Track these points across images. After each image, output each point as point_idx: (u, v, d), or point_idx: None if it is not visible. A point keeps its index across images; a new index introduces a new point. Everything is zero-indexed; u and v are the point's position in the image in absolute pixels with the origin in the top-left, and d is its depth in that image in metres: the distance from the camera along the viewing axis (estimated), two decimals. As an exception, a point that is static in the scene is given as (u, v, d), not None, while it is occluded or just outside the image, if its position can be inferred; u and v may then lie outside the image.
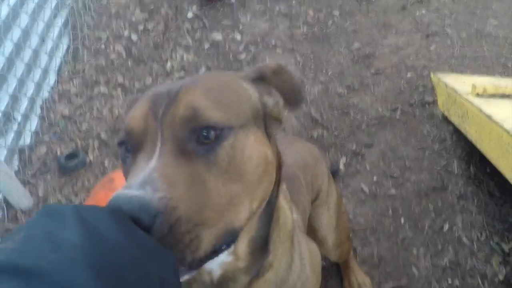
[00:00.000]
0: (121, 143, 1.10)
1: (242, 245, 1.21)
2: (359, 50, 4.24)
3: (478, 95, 3.00)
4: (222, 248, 1.02)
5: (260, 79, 1.19)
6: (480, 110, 2.71)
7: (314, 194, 2.21)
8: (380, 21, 4.57)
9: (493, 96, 3.03)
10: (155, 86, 1.14)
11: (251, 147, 1.05)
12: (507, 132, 2.38)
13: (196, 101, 1.01)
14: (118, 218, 0.82)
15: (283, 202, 1.37)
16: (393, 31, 4.45)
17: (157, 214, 0.85)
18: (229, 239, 1.02)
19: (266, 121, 1.17)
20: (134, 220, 0.83)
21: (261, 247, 1.26)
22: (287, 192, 1.53)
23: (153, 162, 0.94)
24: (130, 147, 1.06)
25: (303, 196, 1.99)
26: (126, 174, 1.06)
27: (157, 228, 0.85)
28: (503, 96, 3.05)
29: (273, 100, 1.20)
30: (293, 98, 1.22)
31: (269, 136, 1.17)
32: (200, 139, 0.99)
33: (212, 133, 0.99)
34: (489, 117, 2.60)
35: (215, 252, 1.00)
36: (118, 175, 2.46)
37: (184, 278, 0.94)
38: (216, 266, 1.22)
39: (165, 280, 0.80)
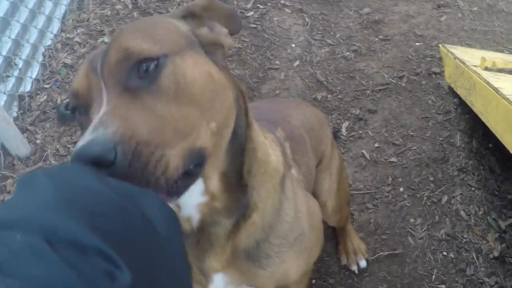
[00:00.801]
0: (73, 110, 1.12)
1: (214, 181, 1.21)
2: (368, 15, 4.18)
3: (486, 68, 2.96)
4: (194, 171, 1.04)
5: (190, 16, 1.20)
6: (488, 83, 2.67)
7: (317, 159, 2.20)
8: (392, -11, 4.50)
9: (501, 70, 2.99)
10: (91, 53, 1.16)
11: (191, 69, 1.07)
12: (513, 103, 2.35)
13: (126, 42, 1.03)
14: (88, 170, 0.83)
15: (262, 138, 1.38)
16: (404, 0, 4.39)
17: (114, 146, 0.88)
18: (197, 159, 1.03)
19: (206, 49, 1.17)
20: (98, 162, 0.86)
21: (236, 183, 1.27)
22: (278, 141, 1.57)
23: (102, 110, 0.97)
24: (81, 109, 1.08)
25: (307, 158, 1.97)
26: (84, 130, 1.05)
27: (121, 158, 0.88)
28: (512, 72, 3.01)
29: (206, 29, 1.21)
30: (231, 25, 1.26)
31: (215, 63, 1.17)
32: (141, 75, 1.01)
33: (151, 64, 1.02)
34: (497, 90, 2.55)
35: (189, 176, 1.02)
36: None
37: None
38: (193, 209, 1.23)
39: (151, 217, 0.81)
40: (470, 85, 2.95)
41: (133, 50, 1.01)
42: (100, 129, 0.90)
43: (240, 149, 1.25)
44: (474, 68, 2.95)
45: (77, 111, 1.11)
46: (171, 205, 0.99)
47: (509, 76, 2.93)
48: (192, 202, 1.22)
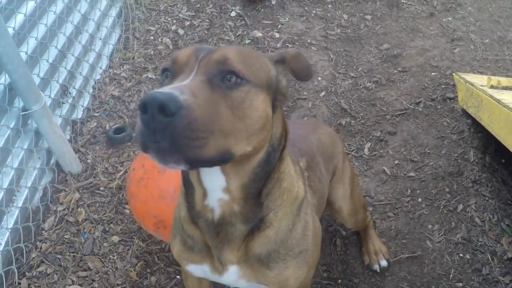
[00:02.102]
0: (164, 70, 1.35)
1: (235, 186, 1.43)
2: (387, 50, 4.33)
3: (492, 86, 3.10)
4: (218, 161, 1.22)
5: (280, 62, 1.46)
6: (492, 97, 2.82)
7: (331, 173, 2.42)
8: (408, 26, 4.65)
9: (506, 88, 3.12)
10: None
11: (259, 102, 1.30)
12: (513, 110, 2.49)
13: (229, 54, 1.28)
14: None
15: (292, 172, 1.60)
16: (420, 35, 4.53)
17: (180, 106, 1.08)
18: (224, 157, 1.22)
19: (276, 95, 1.42)
20: (162, 108, 1.05)
21: (255, 199, 1.47)
22: (301, 171, 1.81)
23: (185, 81, 1.20)
24: (170, 74, 1.32)
25: (322, 184, 2.18)
26: None
27: (178, 118, 1.08)
28: (517, 88, 3.14)
29: (286, 81, 1.47)
30: (305, 75, 1.53)
31: (275, 107, 1.42)
32: (224, 79, 1.25)
33: (234, 78, 1.25)
34: (498, 101, 2.71)
35: (211, 162, 1.20)
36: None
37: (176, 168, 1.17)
38: (215, 202, 1.46)
39: None
40: (478, 103, 3.08)
41: (231, 62, 1.26)
42: (177, 90, 1.11)
43: (266, 174, 1.46)
44: (482, 88, 3.09)
45: (166, 73, 1.34)
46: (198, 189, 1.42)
47: (512, 92, 3.06)
48: (214, 194, 1.45)
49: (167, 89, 1.10)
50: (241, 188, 1.43)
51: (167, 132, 1.08)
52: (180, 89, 1.13)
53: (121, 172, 3.22)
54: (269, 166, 1.45)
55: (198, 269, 1.74)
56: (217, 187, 1.43)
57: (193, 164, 1.16)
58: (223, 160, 1.22)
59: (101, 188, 3.14)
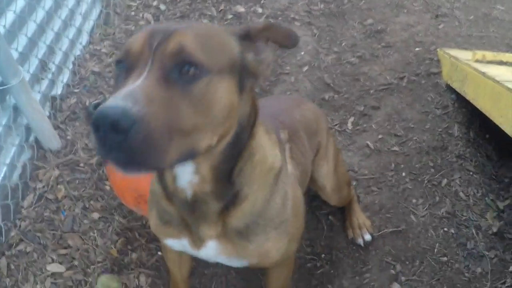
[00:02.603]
0: (118, 61, 1.25)
1: (204, 169, 1.39)
2: (371, 26, 4.28)
3: (477, 61, 3.07)
4: (182, 161, 1.19)
5: (246, 36, 1.35)
6: (477, 70, 2.79)
7: (314, 150, 2.37)
8: (393, 2, 4.60)
9: (491, 62, 3.09)
10: (154, 24, 1.33)
11: (222, 91, 1.22)
12: (498, 82, 2.45)
13: (185, 41, 1.17)
14: None
15: (264, 144, 1.54)
16: (404, 11, 4.49)
17: (134, 121, 1.02)
18: (188, 156, 1.19)
19: (243, 74, 1.32)
20: (114, 124, 1.00)
21: (226, 177, 1.44)
22: (280, 139, 1.80)
23: (139, 81, 1.11)
24: (125, 67, 1.21)
25: (305, 158, 2.15)
26: (116, 90, 1.17)
27: (133, 134, 1.02)
28: (501, 63, 3.11)
29: (252, 55, 1.35)
30: (288, 42, 1.39)
31: (244, 86, 1.33)
32: (182, 72, 1.16)
33: (193, 69, 1.16)
34: (483, 74, 2.67)
35: (175, 164, 1.18)
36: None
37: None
38: (185, 184, 1.43)
39: None
40: (463, 77, 3.05)
41: (188, 51, 1.16)
42: (130, 100, 1.04)
43: (237, 153, 1.42)
44: (467, 62, 3.06)
45: (120, 64, 1.23)
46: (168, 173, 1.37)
47: (497, 66, 3.03)
48: (184, 177, 1.42)
49: (118, 99, 1.05)
50: (210, 170, 1.40)
51: (123, 149, 1.04)
52: (133, 96, 1.06)
53: (102, 148, 3.15)
54: (239, 145, 1.41)
55: (176, 243, 1.72)
56: (186, 171, 1.40)
57: (157, 169, 1.22)
58: (187, 159, 1.20)
59: (81, 165, 3.07)
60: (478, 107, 2.76)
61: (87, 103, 3.45)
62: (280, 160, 1.62)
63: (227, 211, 1.51)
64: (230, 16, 4.36)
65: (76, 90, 3.55)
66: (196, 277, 2.57)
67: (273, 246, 1.65)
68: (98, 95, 3.53)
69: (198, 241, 1.61)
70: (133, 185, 2.37)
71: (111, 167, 1.78)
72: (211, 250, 1.63)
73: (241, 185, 1.48)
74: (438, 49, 3.74)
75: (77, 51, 3.80)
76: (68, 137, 3.23)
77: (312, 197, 2.84)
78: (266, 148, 1.55)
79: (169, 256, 2.16)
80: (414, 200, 2.89)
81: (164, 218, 1.67)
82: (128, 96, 1.05)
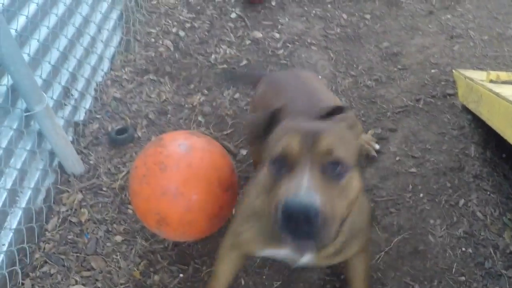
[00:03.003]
0: (276, 159, 1.54)
1: None
2: (387, 49, 4.32)
3: (492, 81, 3.10)
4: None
5: (350, 129, 1.70)
6: (491, 90, 2.81)
7: None
8: (408, 24, 4.64)
9: (505, 82, 3.11)
10: (293, 123, 1.63)
11: (356, 181, 1.56)
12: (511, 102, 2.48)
13: (332, 144, 1.49)
14: None
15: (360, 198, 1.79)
16: (419, 33, 4.52)
17: (318, 213, 1.34)
18: (336, 235, 1.51)
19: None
20: (308, 218, 1.33)
21: None
22: None
23: (306, 178, 1.41)
24: (285, 166, 1.51)
25: None
26: (280, 180, 1.50)
27: (318, 223, 1.35)
28: (515, 82, 3.13)
29: (361, 142, 1.60)
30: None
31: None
32: (335, 170, 1.48)
33: (339, 167, 1.49)
34: (498, 95, 2.70)
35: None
36: (167, 136, 2.59)
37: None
38: None
39: None
40: (478, 98, 3.07)
41: (336, 153, 1.48)
42: (311, 196, 1.36)
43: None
44: (481, 82, 3.08)
45: (280, 163, 1.53)
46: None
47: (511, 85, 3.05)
48: None
49: (303, 195, 1.35)
50: None
51: (310, 234, 1.38)
52: (312, 189, 1.37)
53: (124, 173, 3.21)
54: None
55: (274, 252, 1.97)
56: None
57: (325, 247, 1.53)
58: (336, 237, 1.51)
59: (104, 189, 3.13)
60: (493, 127, 2.78)
61: (109, 129, 3.51)
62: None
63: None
64: (248, 42, 4.42)
65: (98, 116, 3.61)
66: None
67: (355, 248, 2.01)
68: (120, 121, 3.59)
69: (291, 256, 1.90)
70: (155, 209, 2.40)
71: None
72: (306, 261, 1.92)
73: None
74: (453, 70, 3.77)
75: (98, 78, 3.87)
76: (91, 162, 3.28)
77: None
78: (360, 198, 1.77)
79: (230, 263, 2.31)
80: (432, 221, 2.90)
81: (267, 234, 1.88)
82: (309, 191, 1.37)
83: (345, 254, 1.97)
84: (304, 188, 1.37)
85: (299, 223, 1.34)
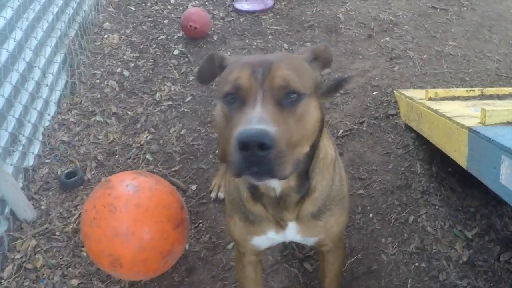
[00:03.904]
0: (227, 94, 1.53)
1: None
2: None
3: (430, 98, 3.17)
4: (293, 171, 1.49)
5: (314, 59, 1.71)
6: (430, 108, 2.88)
7: None
8: (348, 49, 4.73)
9: (444, 99, 3.19)
10: (245, 57, 1.63)
11: (313, 110, 1.56)
12: (449, 118, 2.55)
13: (287, 75, 1.49)
14: None
15: (325, 143, 1.87)
16: (360, 57, 4.61)
17: (274, 141, 1.32)
18: (297, 166, 1.50)
19: (317, 91, 1.67)
20: (261, 144, 1.30)
21: (305, 174, 1.78)
22: (330, 134, 2.16)
23: (258, 108, 1.41)
24: (237, 99, 1.51)
25: None
26: (232, 117, 1.50)
27: (273, 150, 1.33)
28: (453, 98, 3.21)
29: (319, 74, 1.76)
30: (328, 63, 1.77)
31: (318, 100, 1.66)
32: (288, 99, 1.49)
33: (295, 95, 1.50)
34: (436, 111, 2.77)
35: (290, 174, 1.46)
36: (114, 177, 2.59)
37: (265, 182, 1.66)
38: (276, 184, 1.75)
39: None
40: (418, 116, 3.14)
41: (291, 83, 1.48)
42: (264, 124, 1.34)
43: (312, 154, 1.75)
44: (421, 101, 3.15)
45: (230, 97, 1.52)
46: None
47: (450, 102, 3.12)
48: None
49: (255, 123, 1.34)
50: (295, 173, 1.70)
51: (262, 162, 1.34)
52: (265, 121, 1.36)
53: (75, 216, 3.18)
54: (314, 148, 1.74)
55: (262, 240, 2.01)
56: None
57: (282, 178, 1.42)
58: (296, 169, 1.51)
59: (57, 233, 3.09)
60: (434, 143, 2.84)
61: (58, 173, 3.48)
62: (333, 151, 1.96)
63: (303, 201, 1.84)
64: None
65: (47, 161, 3.58)
66: None
67: (335, 221, 1.99)
68: (69, 164, 3.56)
69: (280, 228, 1.92)
70: (108, 250, 2.39)
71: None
72: (291, 231, 1.93)
73: (312, 179, 1.81)
74: (394, 91, 3.86)
75: (46, 122, 3.84)
76: (43, 207, 3.25)
77: (284, 247, 2.88)
78: (326, 146, 1.87)
79: (248, 278, 2.29)
80: (383, 240, 2.94)
81: (249, 218, 1.94)
82: (262, 121, 1.35)
83: (326, 226, 1.97)
84: (256, 118, 1.36)
85: (253, 153, 1.32)
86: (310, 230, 1.96)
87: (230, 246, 2.92)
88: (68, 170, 3.45)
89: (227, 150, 1.48)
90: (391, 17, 5.24)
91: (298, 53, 1.76)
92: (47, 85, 3.95)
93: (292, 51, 4.66)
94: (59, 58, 4.31)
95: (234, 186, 1.95)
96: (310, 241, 2.06)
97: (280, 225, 1.91)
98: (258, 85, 1.47)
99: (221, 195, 3.21)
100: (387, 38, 4.85)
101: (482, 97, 3.25)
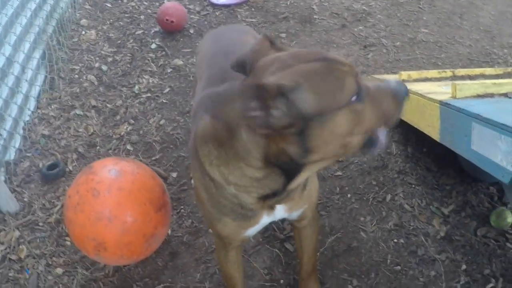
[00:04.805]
0: (351, 98, 1.41)
1: None
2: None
3: (404, 80, 3.22)
4: None
5: None
6: (403, 88, 2.93)
7: None
8: (322, 39, 4.77)
9: (416, 80, 3.24)
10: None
11: None
12: (421, 95, 2.60)
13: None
14: None
15: None
16: (334, 46, 4.66)
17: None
18: None
19: None
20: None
21: None
22: None
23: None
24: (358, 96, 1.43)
25: None
26: (362, 110, 1.43)
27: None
28: (426, 79, 3.26)
29: None
30: None
31: None
32: None
33: None
34: (409, 91, 2.80)
35: None
36: (97, 163, 2.60)
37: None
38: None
39: None
40: (392, 97, 3.19)
41: None
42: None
43: None
44: (394, 82, 3.20)
45: (356, 97, 1.43)
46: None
47: (422, 83, 3.18)
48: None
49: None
50: None
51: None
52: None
53: (58, 207, 3.18)
54: None
55: (255, 228, 1.95)
56: None
57: None
58: None
59: (40, 224, 3.09)
60: (408, 121, 2.89)
61: (40, 165, 3.48)
62: None
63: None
64: (169, 70, 4.47)
65: (28, 154, 3.58)
66: None
67: (314, 186, 2.02)
68: (50, 157, 3.56)
69: (271, 210, 1.86)
70: (91, 234, 2.39)
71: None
72: (281, 209, 1.88)
73: None
74: (368, 77, 3.90)
75: (26, 117, 3.84)
76: (25, 199, 3.24)
77: (267, 228, 2.91)
78: None
79: (231, 261, 2.24)
80: (362, 218, 2.97)
81: (246, 215, 1.84)
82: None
83: (309, 193, 1.98)
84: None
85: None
86: (298, 203, 1.94)
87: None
88: (49, 163, 3.45)
89: (367, 131, 1.46)
90: (364, 7, 5.30)
91: None
92: (26, 80, 3.95)
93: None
94: (37, 54, 4.30)
95: (223, 196, 1.77)
96: (295, 215, 2.04)
97: (269, 214, 1.88)
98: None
99: None
100: (361, 27, 4.91)
101: (454, 78, 3.30)
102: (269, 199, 1.72)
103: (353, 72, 1.40)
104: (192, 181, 3.16)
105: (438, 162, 3.25)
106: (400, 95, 1.51)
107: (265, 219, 1.91)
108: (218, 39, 2.64)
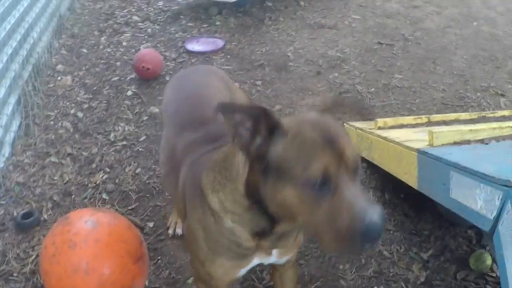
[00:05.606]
0: (315, 183, 1.41)
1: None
2: (280, 111, 4.41)
3: (380, 127, 3.23)
4: None
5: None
6: (379, 136, 2.94)
7: None
8: (298, 86, 4.80)
9: (392, 127, 3.26)
10: (307, 126, 1.50)
11: None
12: (399, 143, 2.61)
13: (355, 149, 1.50)
14: None
15: None
16: (309, 93, 4.69)
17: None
18: None
19: None
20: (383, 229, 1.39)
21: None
22: None
23: (357, 188, 1.43)
24: (324, 184, 1.40)
25: None
26: (321, 202, 1.41)
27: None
28: (401, 126, 3.28)
29: None
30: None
31: None
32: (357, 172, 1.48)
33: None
34: (385, 139, 2.83)
35: None
36: (73, 214, 2.55)
37: None
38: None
39: None
40: (368, 145, 3.20)
41: (359, 163, 1.49)
42: (376, 207, 1.37)
43: None
44: (370, 130, 3.22)
45: (322, 183, 1.39)
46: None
47: (398, 130, 3.20)
48: None
49: (369, 206, 1.36)
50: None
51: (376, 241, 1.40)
52: (370, 201, 1.42)
53: (33, 257, 3.09)
54: None
55: (246, 269, 1.97)
56: None
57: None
58: None
59: (15, 274, 3.00)
60: (386, 169, 2.90)
61: (14, 214, 3.39)
62: None
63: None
64: (145, 118, 4.44)
65: (2, 202, 3.50)
66: None
67: (297, 242, 2.02)
68: (24, 205, 3.48)
69: (267, 254, 1.89)
70: (68, 287, 2.34)
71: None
72: (274, 257, 1.93)
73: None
74: (344, 124, 3.90)
75: (0, 164, 3.77)
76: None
77: (244, 279, 2.85)
78: None
79: None
80: (341, 266, 2.94)
81: (242, 254, 1.85)
82: (371, 204, 1.38)
83: (297, 239, 1.99)
84: (364, 198, 1.40)
85: (378, 234, 1.35)
86: (289, 248, 1.97)
87: (190, 280, 2.87)
88: (24, 211, 3.37)
89: (319, 230, 1.44)
90: (338, 54, 5.36)
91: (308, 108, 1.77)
92: (1, 126, 3.88)
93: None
94: (13, 99, 4.24)
95: (220, 232, 1.79)
96: (283, 260, 2.06)
97: (267, 252, 1.89)
98: (340, 166, 1.40)
99: (178, 231, 3.15)
100: (336, 74, 4.95)
101: (429, 123, 3.33)
102: (263, 239, 1.75)
103: (334, 167, 1.40)
104: (173, 230, 3.10)
105: (415, 208, 3.25)
106: (368, 234, 1.35)
107: (257, 261, 1.93)
108: (182, 84, 2.68)
